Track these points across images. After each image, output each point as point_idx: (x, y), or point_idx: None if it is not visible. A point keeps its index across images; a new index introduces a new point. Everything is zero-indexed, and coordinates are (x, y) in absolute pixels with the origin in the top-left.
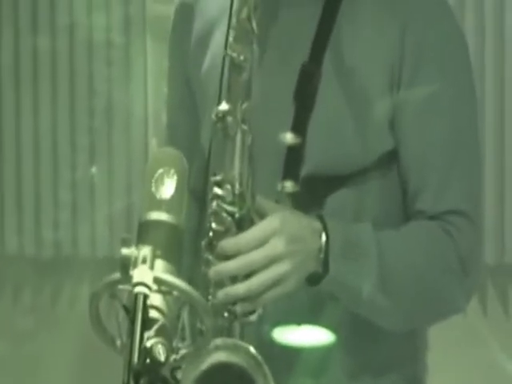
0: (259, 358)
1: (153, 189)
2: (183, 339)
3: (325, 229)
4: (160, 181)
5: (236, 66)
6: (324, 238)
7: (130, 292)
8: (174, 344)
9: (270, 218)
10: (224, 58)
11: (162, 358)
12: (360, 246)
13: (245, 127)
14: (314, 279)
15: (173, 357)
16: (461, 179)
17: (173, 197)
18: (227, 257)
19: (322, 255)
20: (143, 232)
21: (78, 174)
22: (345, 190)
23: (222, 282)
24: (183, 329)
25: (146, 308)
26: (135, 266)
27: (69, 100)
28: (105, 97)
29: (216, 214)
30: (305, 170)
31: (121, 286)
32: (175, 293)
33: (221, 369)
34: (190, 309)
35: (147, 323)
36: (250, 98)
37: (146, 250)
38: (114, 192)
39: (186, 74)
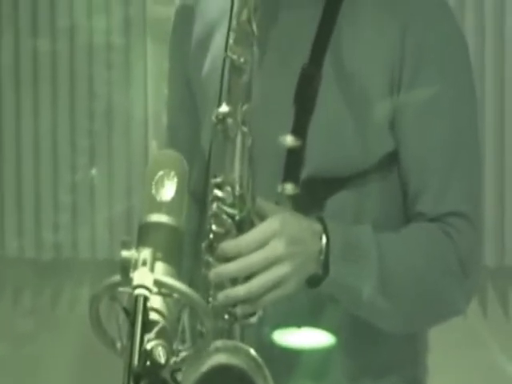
0: (259, 360)
1: (153, 191)
2: (183, 341)
3: (325, 231)
4: (160, 183)
5: (236, 68)
6: (324, 239)
7: (131, 294)
8: (175, 346)
9: (270, 219)
10: (224, 60)
11: (163, 361)
12: (360, 248)
13: (245, 129)
14: (314, 281)
15: (173, 359)
16: (461, 181)
17: (173, 199)
18: (227, 259)
19: (322, 257)
20: (143, 234)
21: (78, 176)
22: (345, 192)
23: (222, 284)
24: (183, 331)
25: (146, 310)
26: (135, 268)
27: (69, 102)
28: (105, 99)
29: (216, 216)
30: (305, 172)
31: (121, 289)
32: (175, 295)
33: (221, 371)
34: (191, 311)
35: (147, 325)
36: (250, 99)
37: (146, 253)
38: (114, 194)
39: (186, 76)
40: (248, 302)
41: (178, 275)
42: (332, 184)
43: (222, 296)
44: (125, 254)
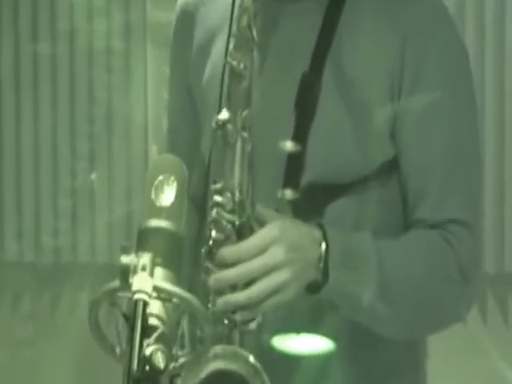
0: (258, 366)
1: (152, 196)
2: (182, 347)
3: (324, 237)
4: (160, 188)
5: (236, 74)
6: (324, 246)
7: (130, 299)
8: (174, 352)
9: (270, 226)
10: (224, 66)
11: (162, 366)
12: (360, 254)
13: (245, 135)
14: (313, 288)
15: (172, 364)
16: (461, 188)
17: (172, 204)
18: (227, 265)
19: (321, 264)
20: (143, 239)
21: (77, 181)
22: (345, 199)
23: (221, 289)
24: (183, 336)
25: (145, 315)
26: (135, 273)
27: (69, 106)
28: (105, 103)
29: (216, 222)
30: (305, 178)
31: (120, 294)
32: (175, 300)
33: (220, 377)
34: (190, 316)
35: (147, 331)
36: (250, 106)
37: (145, 258)
38: (113, 198)
39: (186, 82)
40: (247, 308)
41: (178, 280)
42: (332, 191)
43: (221, 302)
44: (124, 259)
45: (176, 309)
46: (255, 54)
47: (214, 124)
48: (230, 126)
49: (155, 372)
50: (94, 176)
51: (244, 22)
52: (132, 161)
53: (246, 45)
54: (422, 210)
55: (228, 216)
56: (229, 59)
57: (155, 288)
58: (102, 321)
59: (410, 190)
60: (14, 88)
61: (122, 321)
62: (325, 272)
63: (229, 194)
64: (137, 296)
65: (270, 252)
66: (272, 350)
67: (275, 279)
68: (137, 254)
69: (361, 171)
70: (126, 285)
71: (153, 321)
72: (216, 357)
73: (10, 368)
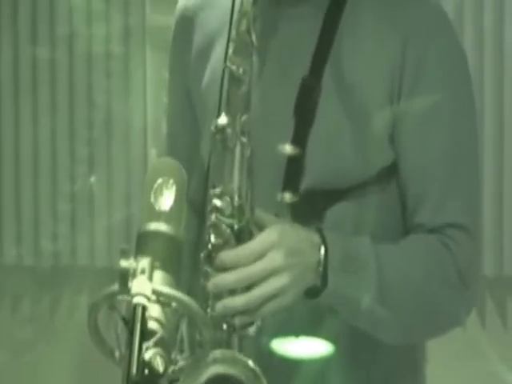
0: (257, 370)
1: (152, 199)
2: (182, 351)
3: (324, 242)
4: (159, 191)
5: (235, 79)
6: (323, 251)
7: (129, 303)
8: (173, 356)
9: (269, 230)
10: (223, 71)
11: (161, 370)
12: (359, 259)
13: (244, 140)
14: (312, 292)
15: (171, 368)
16: (460, 192)
17: (172, 208)
18: (226, 269)
19: (320, 268)
20: (142, 243)
21: (77, 185)
22: (344, 203)
23: (220, 294)
24: (182, 340)
25: (144, 319)
26: (134, 277)
27: (68, 110)
28: (104, 107)
29: (215, 227)
30: (304, 183)
31: (120, 297)
32: (174, 304)
33: (219, 381)
34: (189, 320)
35: (146, 335)
36: (249, 110)
37: (144, 262)
38: (113, 202)
39: (186, 87)
40: (246, 313)
41: (177, 284)
42: (331, 195)
43: (220, 306)
44: (123, 262)
45: (175, 312)
46: (254, 58)
47: (213, 128)
48: (229, 131)
49: (154, 376)
50: (93, 180)
51: (243, 26)
52: (131, 165)
53: (245, 49)
54: (421, 215)
55: (227, 220)
56: (228, 64)
57: (154, 292)
58: (102, 324)
59: (409, 194)
60: (13, 92)
61: (121, 324)
62: (324, 276)
63: (228, 199)
64: (136, 300)
65: (269, 256)
66: (271, 354)
67: (274, 284)
68: (136, 258)
69: (360, 176)
70: (126, 288)
71: (152, 325)
72: (215, 361)
73: (9, 371)
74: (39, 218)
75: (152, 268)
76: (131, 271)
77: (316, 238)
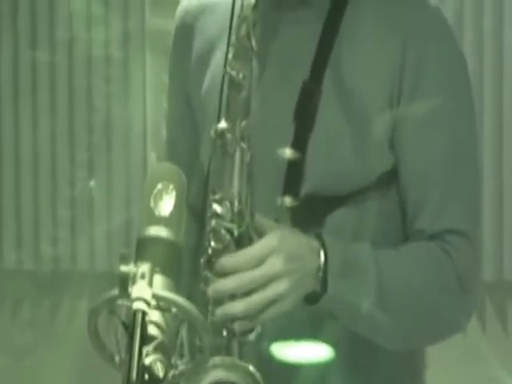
0: (257, 375)
1: (151, 204)
2: (181, 356)
3: (323, 247)
4: (159, 196)
5: (235, 84)
6: (323, 256)
7: (129, 308)
8: (173, 360)
9: (269, 236)
10: (223, 76)
11: (161, 375)
12: (358, 265)
13: (244, 145)
14: (312, 298)
15: (171, 373)
16: (460, 197)
17: (171, 213)
18: (226, 275)
19: (320, 274)
20: (142, 248)
21: (76, 189)
22: (344, 209)
23: (220, 299)
24: (182, 345)
25: (144, 324)
26: (134, 282)
27: (68, 114)
28: (104, 111)
29: (215, 232)
30: (304, 188)
31: (120, 302)
32: (174, 309)
33: None
34: (189, 326)
35: (146, 340)
36: (248, 115)
37: (144, 267)
38: (112, 207)
39: (186, 92)
40: (246, 319)
41: (177, 289)
42: (331, 201)
43: (220, 312)
44: (123, 267)
45: (175, 317)
46: (254, 63)
47: (212, 133)
48: (228, 136)
49: (154, 381)
50: (92, 184)
51: (243, 31)
52: (131, 169)
53: (245, 54)
54: (421, 220)
55: (227, 225)
56: (228, 69)
57: (154, 297)
58: (101, 329)
59: (409, 199)
60: (13, 96)
61: (121, 329)
62: (324, 282)
63: (228, 204)
64: (136, 305)
65: (269, 262)
66: (271, 359)
67: (274, 290)
68: (136, 263)
69: (360, 181)
70: (126, 293)
71: (152, 330)
72: (215, 366)
73: (9, 375)
74: (39, 223)
75: (152, 273)
76: (131, 276)
77: (316, 243)
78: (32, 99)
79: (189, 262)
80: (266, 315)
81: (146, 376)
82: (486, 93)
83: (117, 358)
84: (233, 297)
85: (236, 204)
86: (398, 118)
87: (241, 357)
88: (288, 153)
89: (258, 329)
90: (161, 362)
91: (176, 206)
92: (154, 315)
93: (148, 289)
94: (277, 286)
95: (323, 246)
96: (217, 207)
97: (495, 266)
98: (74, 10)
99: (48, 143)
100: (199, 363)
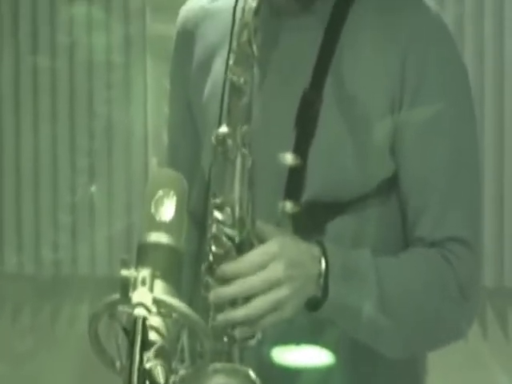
0: (258, 382)
1: (152, 210)
2: (182, 361)
3: (324, 254)
4: (160, 202)
5: (236, 90)
6: (323, 263)
7: (130, 314)
8: (173, 365)
9: (270, 242)
10: (224, 81)
11: (161, 380)
12: (359, 272)
13: (245, 151)
14: (313, 304)
15: (172, 379)
16: (461, 204)
17: (172, 218)
18: (227, 281)
19: (321, 280)
20: (143, 254)
21: (77, 194)
22: (345, 216)
23: (221, 305)
24: (182, 350)
25: (145, 330)
26: (135, 287)
27: (69, 119)
28: (105, 116)
29: (216, 238)
30: (305, 195)
31: (120, 308)
32: (174, 315)
33: None
34: (190, 331)
35: (146, 345)
36: (250, 121)
37: (145, 272)
38: (113, 212)
39: (187, 98)
40: (247, 325)
41: (178, 295)
42: (332, 208)
43: (220, 318)
44: (124, 273)
45: (176, 322)
46: (255, 69)
47: (213, 139)
48: (230, 142)
49: None
50: (93, 189)
51: (244, 37)
52: (132, 174)
53: (246, 60)
54: (422, 228)
55: (228, 232)
56: (229, 74)
57: (155, 302)
58: (102, 334)
59: (409, 205)
60: (14, 101)
61: (121, 334)
62: (324, 288)
63: (229, 210)
64: (137, 310)
65: (270, 268)
66: (272, 365)
67: (275, 296)
68: (137, 269)
69: (361, 188)
70: (126, 299)
71: (152, 335)
72: (216, 372)
73: (9, 381)
74: (40, 227)
75: (153, 279)
76: (132, 281)
77: (316, 250)
78: (33, 104)
79: (190, 268)
80: (266, 321)
81: (147, 381)
82: (486, 98)
83: (117, 363)
84: (234, 303)
85: (237, 210)
86: (399, 124)
87: (241, 362)
88: (289, 159)
89: (259, 335)
90: (161, 367)
91: (177, 211)
92: (155, 320)
93: (149, 294)
94: (278, 292)
95: (324, 252)
96: (218, 213)
97: (496, 272)
98: (74, 15)
99: (49, 148)
100: (200, 368)
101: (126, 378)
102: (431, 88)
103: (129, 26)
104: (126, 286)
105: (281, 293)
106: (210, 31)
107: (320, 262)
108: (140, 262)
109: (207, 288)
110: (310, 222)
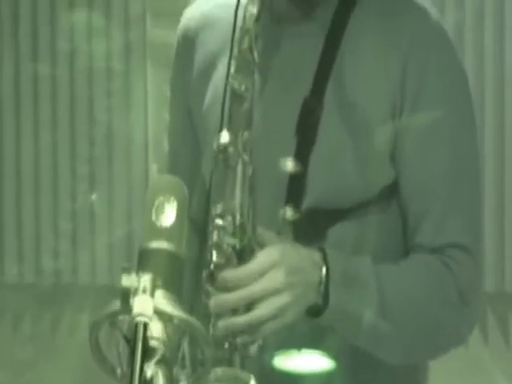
0: None
1: (153, 217)
2: (183, 368)
3: (325, 261)
4: (160, 209)
5: (237, 96)
6: (324, 270)
7: (131, 321)
8: (174, 373)
9: (270, 249)
10: (225, 88)
11: None
12: (359, 279)
13: (246, 158)
14: (313, 311)
15: None
16: (461, 210)
17: (173, 225)
18: (228, 288)
19: (322, 287)
20: (143, 260)
21: (77, 202)
22: (345, 223)
23: (222, 313)
24: (183, 358)
25: (146, 337)
26: (135, 295)
27: (69, 126)
28: (105, 123)
29: (217, 245)
30: (306, 202)
31: (121, 317)
32: (175, 321)
33: None
34: (191, 339)
35: (147, 352)
36: (251, 128)
37: (146, 279)
38: (114, 220)
39: (187, 105)
40: (248, 332)
41: (179, 302)
42: (333, 215)
43: (221, 325)
44: (125, 280)
45: (177, 330)
46: (256, 76)
47: (215, 147)
48: (230, 149)
49: None
50: (94, 197)
51: (245, 44)
52: (132, 181)
53: (247, 67)
54: (422, 234)
55: (229, 239)
56: (230, 81)
57: (156, 310)
58: (103, 342)
59: (410, 212)
60: (14, 108)
61: (122, 342)
62: (325, 295)
63: (229, 217)
64: (138, 318)
65: (270, 276)
66: (273, 371)
67: (275, 303)
68: (137, 276)
69: (362, 195)
70: (127, 307)
71: (153, 342)
72: (217, 379)
73: None
74: (40, 236)
75: (154, 286)
76: (133, 289)
77: (317, 256)
78: (33, 111)
79: (191, 275)
80: (267, 328)
81: None
82: (487, 104)
83: (118, 371)
84: (235, 310)
85: (238, 217)
86: (400, 130)
87: (243, 368)
88: (290, 166)
89: (260, 342)
90: (162, 374)
91: (178, 218)
92: (156, 327)
93: (150, 302)
94: (278, 300)
95: (324, 259)
96: (219, 220)
97: (497, 278)
98: (75, 22)
99: (49, 155)
100: (201, 376)
101: None
102: (432, 94)
103: (129, 33)
104: (126, 295)
105: (281, 300)
106: (211, 39)
107: (321, 268)
108: (141, 268)
109: (208, 296)
110: (310, 229)
